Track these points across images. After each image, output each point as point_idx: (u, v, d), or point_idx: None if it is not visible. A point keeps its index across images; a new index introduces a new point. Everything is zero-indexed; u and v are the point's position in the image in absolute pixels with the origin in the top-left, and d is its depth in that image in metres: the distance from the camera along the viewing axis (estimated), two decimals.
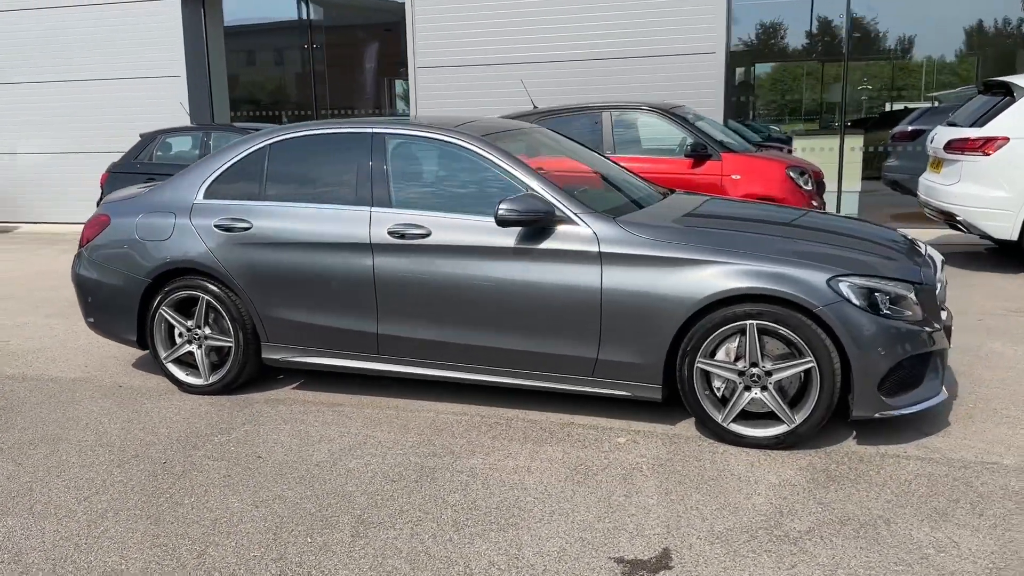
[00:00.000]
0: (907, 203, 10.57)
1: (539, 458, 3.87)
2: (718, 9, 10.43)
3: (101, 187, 10.11)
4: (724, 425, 3.92)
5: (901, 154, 11.70)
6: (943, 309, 4.15)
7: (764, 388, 3.83)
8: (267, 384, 5.00)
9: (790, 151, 11.07)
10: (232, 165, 4.82)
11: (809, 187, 8.04)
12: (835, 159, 11.09)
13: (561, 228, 4.11)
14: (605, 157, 5.52)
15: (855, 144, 11.22)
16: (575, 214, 4.11)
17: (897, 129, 12.27)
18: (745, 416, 3.92)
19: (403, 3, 11.61)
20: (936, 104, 13.73)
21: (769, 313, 3.75)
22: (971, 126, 7.61)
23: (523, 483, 3.62)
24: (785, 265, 3.78)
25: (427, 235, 4.29)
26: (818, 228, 4.40)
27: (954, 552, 2.99)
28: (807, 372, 3.78)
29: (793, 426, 3.81)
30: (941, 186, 7.82)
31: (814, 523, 3.22)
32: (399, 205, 4.43)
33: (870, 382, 3.71)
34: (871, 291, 3.74)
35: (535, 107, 9.37)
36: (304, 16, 14.63)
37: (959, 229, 7.84)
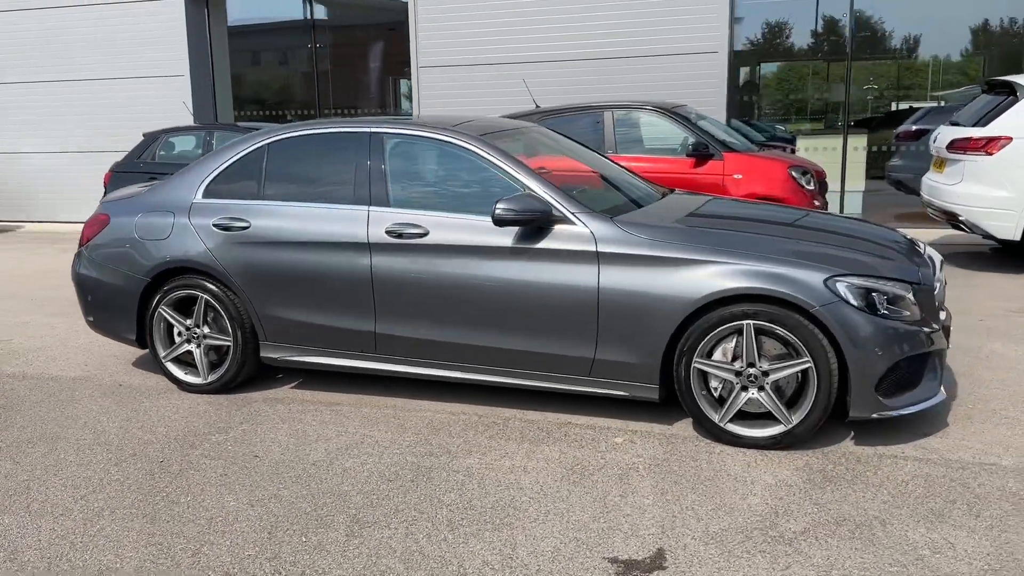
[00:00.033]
0: (911, 203, 10.53)
1: (535, 458, 3.87)
2: (721, 8, 10.42)
3: (104, 186, 10.13)
4: (721, 425, 3.91)
5: (905, 154, 11.66)
6: (942, 309, 4.14)
7: (761, 388, 3.82)
8: (266, 383, 5.00)
9: (793, 151, 11.05)
10: (231, 164, 4.83)
11: (811, 187, 8.02)
12: (838, 159, 11.07)
13: (558, 228, 4.10)
14: (604, 157, 5.51)
15: (858, 144, 11.19)
16: (572, 214, 4.11)
17: (901, 128, 12.24)
18: (742, 416, 3.92)
19: (407, 2, 11.61)
20: (942, 104, 13.68)
21: (766, 313, 3.75)
22: (974, 126, 7.58)
23: (519, 483, 3.62)
24: (782, 265, 3.77)
25: (424, 234, 4.29)
26: (817, 228, 4.38)
27: (950, 553, 2.98)
28: (804, 372, 3.77)
29: (790, 426, 3.80)
30: (944, 186, 7.80)
31: (809, 524, 3.21)
32: (397, 204, 4.43)
33: (867, 383, 3.70)
34: (868, 291, 3.73)
35: (537, 106, 9.36)
36: (308, 16, 14.63)
37: (962, 229, 7.82)
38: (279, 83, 16.59)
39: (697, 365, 3.89)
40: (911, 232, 7.90)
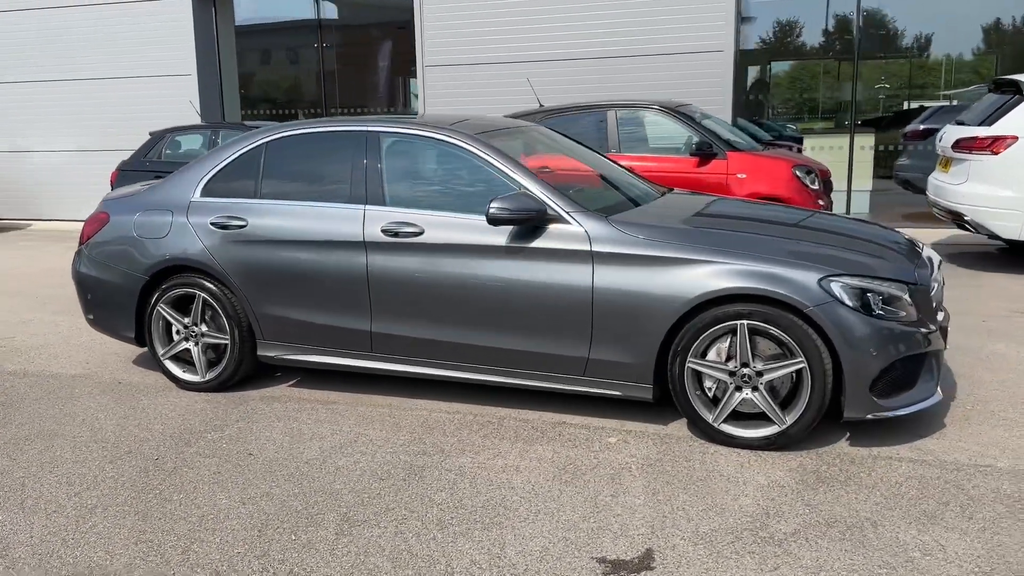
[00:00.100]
0: (919, 202, 10.47)
1: (528, 457, 3.86)
2: (727, 7, 10.37)
3: (111, 185, 10.19)
4: (715, 425, 3.89)
5: (913, 153, 11.60)
6: (940, 310, 4.11)
7: (755, 388, 3.81)
8: (264, 381, 5.02)
9: (800, 150, 11.00)
10: (229, 163, 4.84)
11: (816, 186, 7.99)
12: (845, 158, 11.02)
13: (553, 227, 4.10)
14: (603, 156, 5.49)
15: (865, 143, 11.14)
16: (567, 213, 4.10)
17: (909, 128, 12.17)
18: (737, 416, 3.90)
19: (413, 2, 11.62)
20: (954, 103, 13.60)
21: (760, 313, 3.73)
22: (979, 125, 7.53)
23: (510, 482, 3.62)
24: (776, 265, 3.75)
25: (420, 233, 4.29)
26: (815, 228, 4.36)
27: (940, 556, 2.96)
28: (798, 373, 3.75)
29: (784, 427, 3.78)
30: (949, 185, 7.75)
31: (800, 525, 3.19)
32: (393, 203, 4.43)
33: (862, 383, 3.68)
34: (863, 291, 3.71)
35: (541, 105, 9.35)
36: (316, 15, 14.67)
37: (967, 229, 7.77)
38: (287, 82, 16.65)
39: (691, 365, 3.88)
40: (917, 232, 7.85)
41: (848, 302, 3.67)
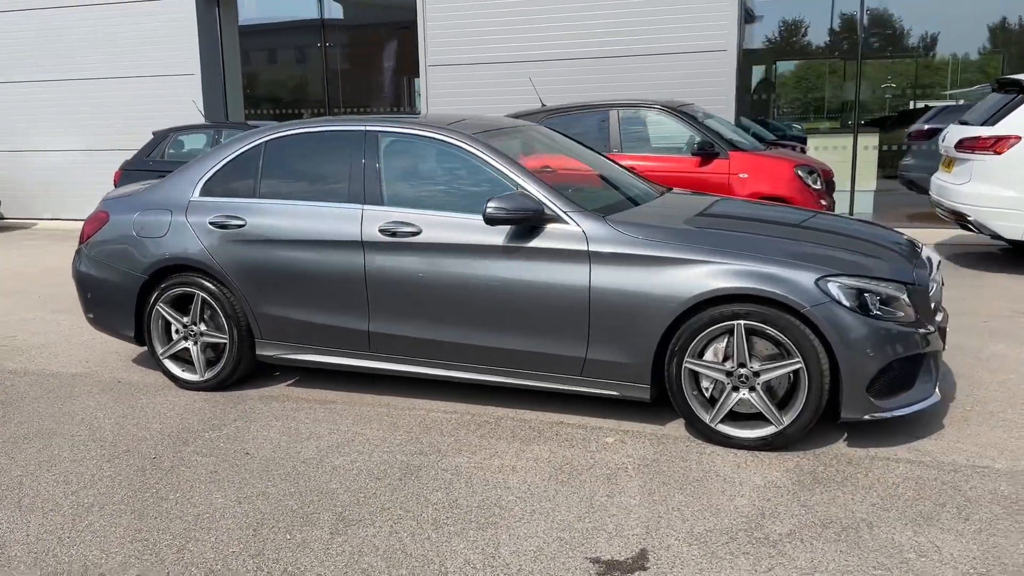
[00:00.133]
0: (923, 202, 10.42)
1: (525, 457, 3.86)
2: (729, 6, 10.35)
3: (115, 184, 10.21)
4: (712, 426, 3.89)
5: (917, 153, 11.56)
6: (939, 311, 4.10)
7: (752, 389, 3.80)
8: (263, 380, 5.02)
9: (803, 150, 10.97)
10: (228, 163, 4.85)
11: (818, 186, 7.97)
12: (849, 158, 10.99)
13: (550, 227, 4.09)
14: (602, 155, 5.49)
15: (869, 143, 11.10)
16: (564, 212, 4.09)
17: (914, 127, 12.14)
18: (734, 417, 3.89)
19: (416, 1, 11.62)
20: (959, 102, 13.56)
21: (757, 313, 3.72)
22: (983, 125, 7.50)
23: (506, 482, 3.61)
24: (773, 265, 3.74)
25: (417, 233, 4.29)
26: (813, 228, 4.35)
27: (935, 557, 2.94)
28: (795, 373, 3.74)
29: (781, 427, 3.77)
30: (952, 186, 7.72)
31: (795, 525, 3.18)
32: (391, 203, 4.43)
33: (859, 384, 3.66)
34: (860, 291, 3.69)
35: (543, 105, 9.34)
36: (320, 15, 14.69)
37: (970, 229, 7.74)
38: (291, 82, 16.67)
39: (688, 365, 3.87)
40: (921, 232, 7.84)
41: (845, 302, 3.66)
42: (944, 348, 4.05)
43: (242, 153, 4.82)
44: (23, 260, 10.02)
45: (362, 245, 4.38)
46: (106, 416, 4.54)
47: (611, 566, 2.95)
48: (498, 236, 4.15)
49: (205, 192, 4.84)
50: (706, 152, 8.03)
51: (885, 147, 11.67)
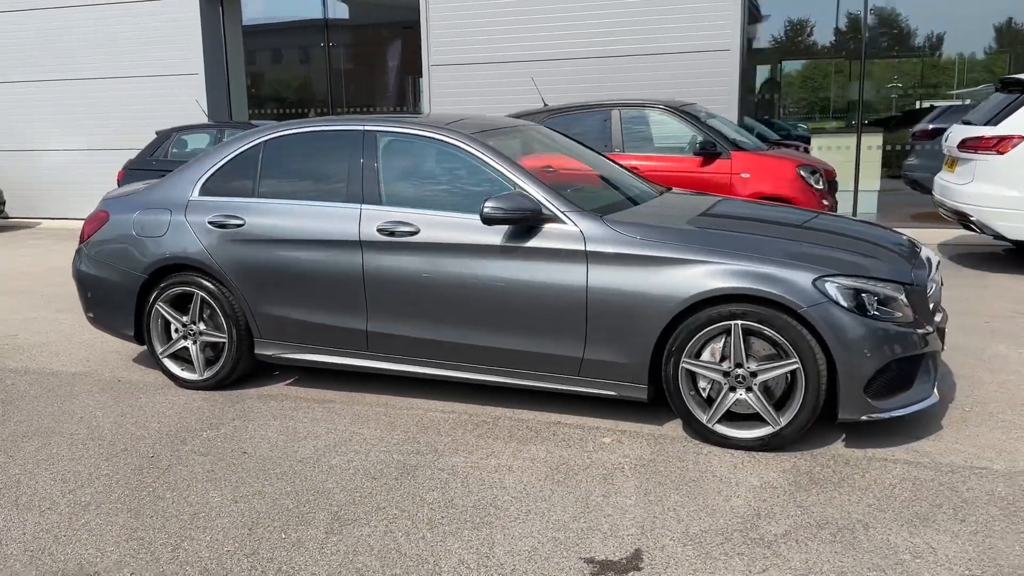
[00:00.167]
0: (927, 202, 10.40)
1: (521, 457, 3.86)
2: (732, 5, 10.33)
3: (118, 184, 10.24)
4: (709, 426, 3.88)
5: (921, 153, 11.52)
6: (938, 311, 4.08)
7: (749, 389, 3.79)
8: (262, 380, 5.03)
9: (807, 150, 10.95)
10: (227, 162, 4.86)
11: (820, 186, 7.95)
12: (852, 157, 10.96)
13: (548, 227, 4.09)
14: (601, 155, 5.48)
15: (872, 142, 11.07)
16: (562, 212, 4.09)
17: (918, 127, 12.09)
18: (731, 417, 3.88)
19: (419, 1, 11.63)
20: (966, 102, 13.51)
21: (754, 313, 3.71)
22: (986, 124, 7.47)
23: (502, 482, 3.61)
24: (770, 265, 3.73)
25: (415, 233, 4.29)
26: (811, 228, 4.33)
27: (930, 558, 2.93)
28: (793, 373, 3.73)
29: (778, 428, 3.76)
30: (955, 186, 7.69)
31: (790, 526, 3.18)
32: (389, 202, 4.43)
33: (856, 384, 3.65)
34: (858, 292, 3.68)
35: (545, 104, 9.34)
36: (323, 15, 14.70)
37: (973, 230, 7.71)
38: (295, 82, 16.68)
39: (685, 365, 3.86)
40: (925, 233, 7.82)
41: (842, 303, 3.64)
42: (943, 348, 4.04)
43: (241, 153, 4.83)
44: (27, 259, 10.05)
45: (360, 245, 4.39)
46: (105, 415, 4.56)
47: (605, 566, 2.95)
48: (496, 236, 4.15)
49: (204, 191, 4.85)
50: (708, 152, 8.02)
51: (889, 147, 11.63)
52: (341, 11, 15.76)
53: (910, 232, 4.75)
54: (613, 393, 4.07)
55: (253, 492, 3.59)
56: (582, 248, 4.00)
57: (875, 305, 3.69)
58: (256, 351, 4.76)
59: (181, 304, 4.88)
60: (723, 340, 3.81)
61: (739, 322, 3.73)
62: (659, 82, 10.52)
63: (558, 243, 4.05)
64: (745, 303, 3.73)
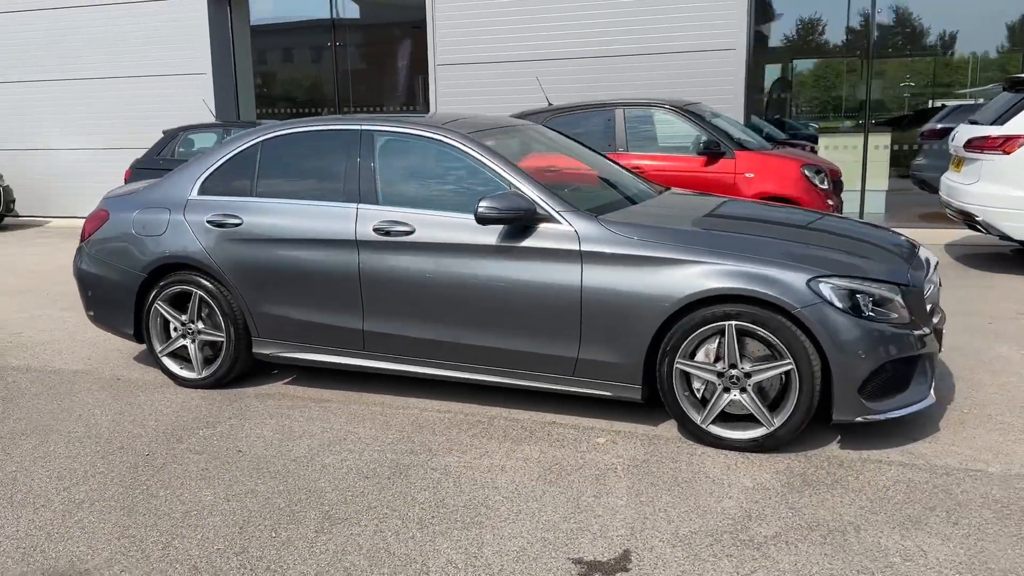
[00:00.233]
0: (935, 202, 10.33)
1: (515, 457, 3.86)
2: (738, 5, 10.29)
3: (125, 183, 10.29)
4: (703, 426, 3.87)
5: (929, 152, 11.45)
6: (936, 312, 4.06)
7: (743, 390, 3.77)
8: (260, 378, 5.05)
9: (813, 149, 10.90)
10: (226, 162, 4.87)
11: (825, 186, 7.91)
12: (859, 157, 10.90)
13: (543, 226, 4.08)
14: (601, 155, 5.47)
15: (880, 142, 11.01)
16: (557, 212, 4.08)
17: (926, 127, 12.02)
18: (725, 418, 3.87)
19: (426, 0, 11.64)
20: (979, 101, 13.41)
21: (748, 314, 3.69)
22: (992, 124, 7.41)
23: (494, 482, 3.61)
24: (764, 266, 3.71)
25: (411, 232, 4.29)
26: (808, 229, 4.31)
27: (921, 561, 2.91)
28: (787, 374, 3.71)
29: (772, 429, 3.75)
30: (961, 185, 7.64)
31: (781, 528, 3.16)
32: (385, 202, 4.44)
33: (850, 385, 3.63)
34: (853, 292, 3.66)
35: (549, 104, 9.33)
36: (332, 15, 14.73)
37: (979, 230, 7.66)
38: (304, 81, 16.72)
39: (679, 366, 3.85)
40: (932, 233, 7.79)
41: (837, 303, 3.62)
42: (940, 350, 4.01)
43: (240, 152, 4.85)
44: (35, 258, 10.12)
45: (356, 244, 4.39)
46: (103, 413, 4.58)
47: (593, 567, 2.94)
48: (490, 236, 4.14)
49: (203, 191, 4.87)
50: (712, 151, 8.00)
51: (897, 146, 11.57)
52: (350, 10, 15.79)
53: (917, 233, 4.71)
54: (608, 393, 4.06)
55: (246, 491, 3.60)
56: (577, 248, 4.00)
57: (870, 306, 3.67)
58: (254, 350, 4.78)
59: (180, 303, 4.91)
60: (717, 341, 3.80)
61: (733, 323, 3.72)
62: (665, 81, 10.50)
63: (553, 243, 4.04)
64: (739, 304, 3.72)
